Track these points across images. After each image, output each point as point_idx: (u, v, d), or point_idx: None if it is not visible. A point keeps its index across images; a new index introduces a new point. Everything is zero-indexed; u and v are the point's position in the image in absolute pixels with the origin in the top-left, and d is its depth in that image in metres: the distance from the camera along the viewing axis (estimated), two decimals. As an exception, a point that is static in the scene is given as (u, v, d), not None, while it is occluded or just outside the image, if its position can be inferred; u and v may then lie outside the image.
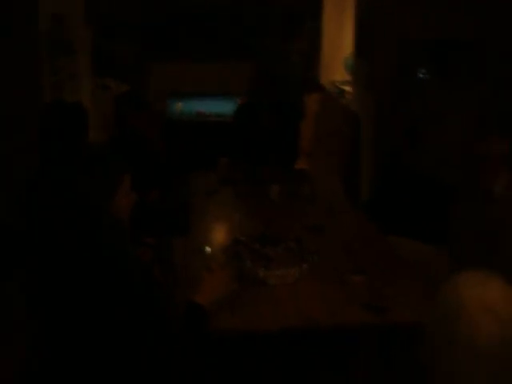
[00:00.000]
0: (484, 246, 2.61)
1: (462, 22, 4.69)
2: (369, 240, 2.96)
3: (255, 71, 4.16)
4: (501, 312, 1.20)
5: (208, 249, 2.74)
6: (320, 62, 6.14)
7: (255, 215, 3.20)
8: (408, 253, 2.92)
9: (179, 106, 6.18)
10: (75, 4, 5.62)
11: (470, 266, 1.33)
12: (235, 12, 7.09)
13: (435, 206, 3.13)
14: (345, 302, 2.32)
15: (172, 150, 4.93)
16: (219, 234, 3.00)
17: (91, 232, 1.90)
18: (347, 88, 5.62)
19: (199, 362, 2.02)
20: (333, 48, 5.94)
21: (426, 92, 4.39)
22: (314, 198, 3.48)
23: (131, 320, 1.82)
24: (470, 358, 1.19)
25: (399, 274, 2.57)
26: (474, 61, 3.99)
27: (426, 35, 4.69)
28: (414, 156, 4.18)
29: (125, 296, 1.83)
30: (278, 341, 2.29)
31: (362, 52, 4.97)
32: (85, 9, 5.87)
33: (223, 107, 5.57)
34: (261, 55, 5.98)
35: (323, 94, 5.10)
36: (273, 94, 4.00)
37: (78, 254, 1.88)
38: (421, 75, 4.91)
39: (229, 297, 2.21)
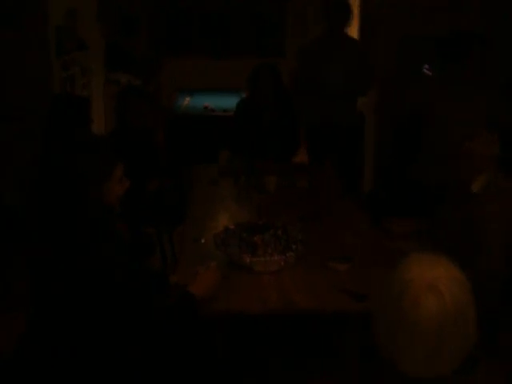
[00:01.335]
0: (458, 245, 2.67)
1: (467, 17, 4.71)
2: (359, 230, 3.01)
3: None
4: (443, 291, 1.26)
5: (203, 240, 2.83)
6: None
7: (251, 206, 3.28)
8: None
9: (187, 101, 6.27)
10: (88, 0, 5.75)
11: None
12: (248, 7, 7.16)
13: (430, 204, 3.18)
14: (327, 289, 2.39)
15: (176, 142, 5.03)
16: (215, 224, 3.08)
17: (77, 215, 1.98)
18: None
19: (186, 344, 2.11)
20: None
21: (430, 89, 4.41)
22: (311, 189, 3.55)
23: (114, 301, 1.90)
24: (411, 332, 1.26)
25: (385, 262, 2.62)
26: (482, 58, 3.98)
27: (430, 32, 4.71)
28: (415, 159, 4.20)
29: (107, 279, 1.91)
30: (262, 324, 2.38)
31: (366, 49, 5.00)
32: (98, 4, 6.01)
33: (231, 102, 5.64)
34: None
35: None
36: (271, 87, 4.06)
37: (66, 237, 1.96)
38: (425, 71, 4.94)
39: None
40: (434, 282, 1.27)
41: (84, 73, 5.50)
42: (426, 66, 4.94)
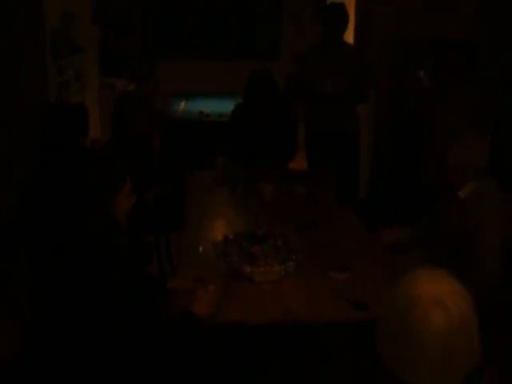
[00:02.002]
0: (452, 257, 2.69)
1: (462, 22, 4.74)
2: (356, 237, 3.03)
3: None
4: (450, 306, 1.28)
5: (200, 248, 2.84)
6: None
7: (248, 213, 3.28)
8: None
9: (182, 105, 6.26)
10: (83, 3, 5.72)
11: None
12: (243, 11, 7.16)
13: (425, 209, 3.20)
14: (327, 298, 2.41)
15: (171, 148, 5.02)
16: (212, 232, 3.08)
17: (85, 228, 1.99)
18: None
19: (186, 353, 2.11)
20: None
21: (427, 92, 4.44)
22: (308, 196, 3.56)
23: (118, 310, 1.91)
24: (417, 346, 1.28)
25: (383, 271, 2.64)
26: (476, 61, 4.02)
27: (426, 35, 4.75)
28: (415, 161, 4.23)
29: (112, 296, 1.92)
30: (261, 333, 2.38)
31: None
32: (92, 8, 5.99)
33: (226, 107, 5.65)
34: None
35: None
36: (266, 92, 4.06)
37: (72, 248, 1.97)
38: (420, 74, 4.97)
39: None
40: (441, 298, 1.29)
41: (78, 77, 5.48)
42: (421, 72, 4.97)
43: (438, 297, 1.29)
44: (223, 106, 5.84)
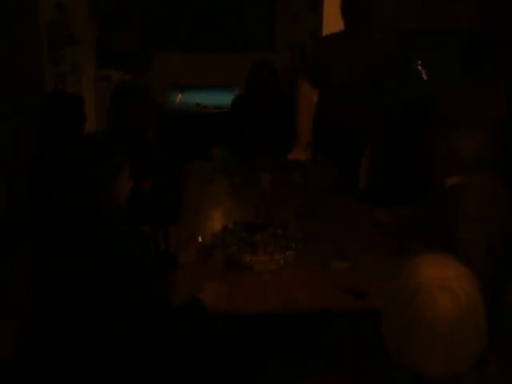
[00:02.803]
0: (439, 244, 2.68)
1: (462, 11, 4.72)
2: (356, 226, 3.01)
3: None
4: (456, 290, 1.27)
5: (200, 238, 2.82)
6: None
7: (247, 203, 3.27)
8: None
9: (179, 97, 6.24)
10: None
11: None
12: (238, 3, 7.12)
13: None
14: (327, 287, 2.39)
15: (169, 139, 5.00)
16: (211, 222, 3.07)
17: (89, 215, 1.98)
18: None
19: (187, 343, 2.10)
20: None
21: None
22: (307, 186, 3.54)
23: (122, 294, 1.89)
24: (426, 332, 1.26)
25: (384, 259, 2.63)
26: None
27: (423, 26, 4.72)
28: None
29: (121, 275, 1.90)
30: (262, 323, 2.37)
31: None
32: (88, 0, 5.95)
33: (223, 99, 5.62)
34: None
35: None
36: (268, 84, 4.03)
37: (77, 237, 1.95)
38: (418, 67, 4.95)
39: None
40: (447, 282, 1.28)
41: (74, 69, 5.44)
42: (419, 62, 4.95)
43: (444, 281, 1.28)
44: (220, 98, 5.82)
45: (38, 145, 3.05)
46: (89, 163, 1.99)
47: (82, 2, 5.84)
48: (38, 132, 3.07)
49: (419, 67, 4.94)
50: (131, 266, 1.92)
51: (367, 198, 4.44)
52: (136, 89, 3.71)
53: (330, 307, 2.30)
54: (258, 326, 2.40)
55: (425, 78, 4.89)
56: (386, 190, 4.85)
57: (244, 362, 2.50)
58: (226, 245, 2.58)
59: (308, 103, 4.35)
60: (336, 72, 3.91)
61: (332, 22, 5.82)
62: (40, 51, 4.59)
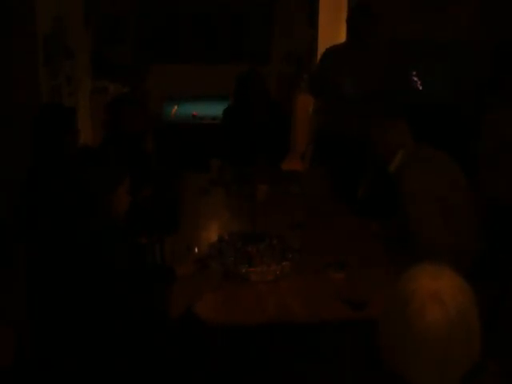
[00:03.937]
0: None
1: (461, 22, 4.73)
2: (353, 236, 3.02)
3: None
4: (448, 301, 1.28)
5: (196, 249, 2.82)
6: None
7: (243, 214, 3.27)
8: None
9: (174, 109, 6.26)
10: (74, 6, 5.71)
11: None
12: (234, 15, 7.18)
13: None
14: (323, 298, 2.40)
15: (165, 151, 5.00)
16: (208, 233, 3.07)
17: (86, 226, 1.98)
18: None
19: (184, 354, 2.10)
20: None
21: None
22: (304, 196, 3.56)
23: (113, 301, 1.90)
24: (418, 343, 1.27)
25: (379, 270, 2.63)
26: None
27: (419, 36, 4.74)
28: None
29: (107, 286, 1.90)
30: (259, 333, 2.37)
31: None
32: (84, 11, 5.98)
33: (218, 110, 5.64)
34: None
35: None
36: (261, 95, 4.04)
37: (73, 245, 1.96)
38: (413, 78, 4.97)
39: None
40: (437, 292, 1.28)
41: (70, 82, 5.45)
42: (414, 73, 4.97)
43: (435, 291, 1.29)
44: (215, 109, 5.83)
45: (32, 157, 3.06)
46: (85, 176, 1.99)
47: (79, 15, 5.87)
48: (32, 144, 3.09)
49: (415, 78, 4.96)
50: (119, 278, 1.92)
51: (367, 210, 4.45)
52: (132, 99, 3.73)
53: (327, 318, 2.31)
54: (255, 337, 2.40)
55: (420, 88, 4.90)
56: (386, 201, 4.85)
57: (241, 372, 2.50)
58: (222, 256, 2.58)
59: (304, 114, 4.37)
60: (347, 85, 3.93)
61: (328, 34, 5.89)
62: (37, 64, 4.59)
